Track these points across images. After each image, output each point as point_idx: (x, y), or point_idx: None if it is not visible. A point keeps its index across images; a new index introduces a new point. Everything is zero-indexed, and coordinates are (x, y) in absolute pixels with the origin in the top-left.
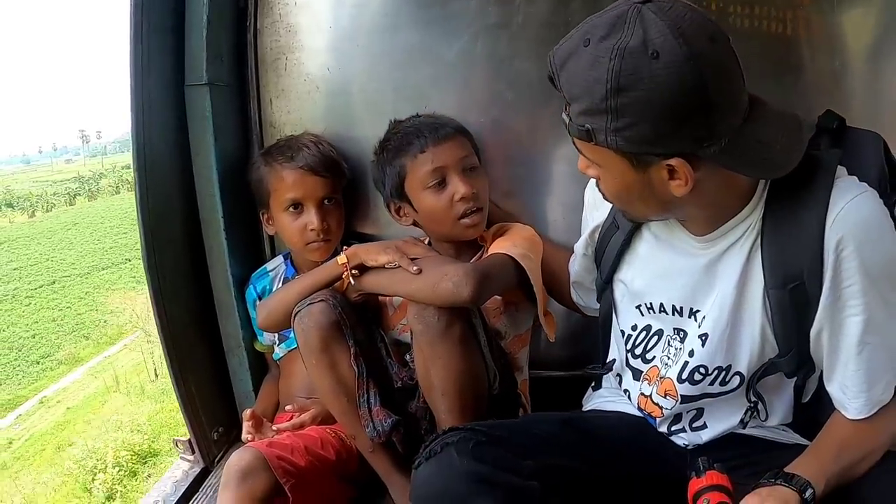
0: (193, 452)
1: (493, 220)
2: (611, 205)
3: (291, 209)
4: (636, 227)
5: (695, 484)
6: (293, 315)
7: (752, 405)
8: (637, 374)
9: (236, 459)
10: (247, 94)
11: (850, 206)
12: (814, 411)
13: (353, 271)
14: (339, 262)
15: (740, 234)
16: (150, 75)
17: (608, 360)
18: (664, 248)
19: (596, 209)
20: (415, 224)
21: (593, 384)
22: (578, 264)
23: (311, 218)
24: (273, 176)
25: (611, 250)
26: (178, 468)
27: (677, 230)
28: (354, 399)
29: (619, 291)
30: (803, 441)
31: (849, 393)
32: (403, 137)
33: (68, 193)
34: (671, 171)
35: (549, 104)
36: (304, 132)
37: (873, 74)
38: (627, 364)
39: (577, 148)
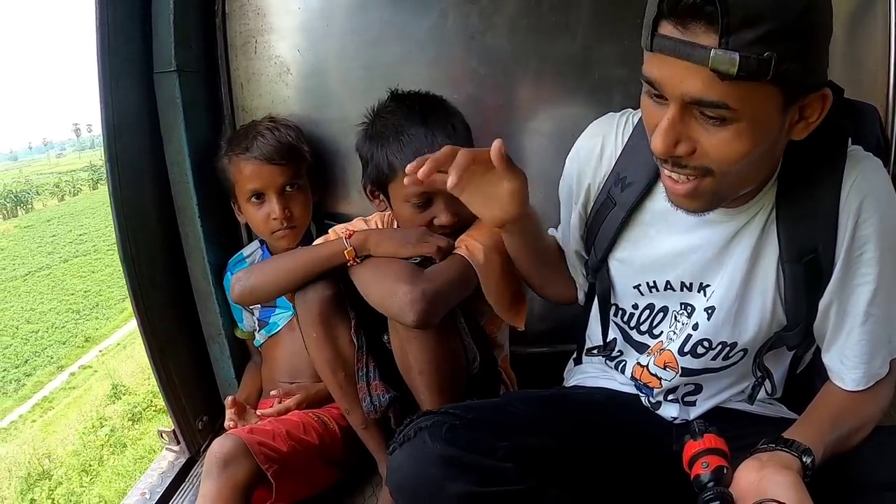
0: (178, 443)
1: None
2: (604, 178)
3: (254, 199)
4: (637, 203)
5: (691, 447)
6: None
7: (758, 379)
8: (642, 348)
9: (217, 447)
10: (217, 79)
11: (864, 173)
12: (803, 384)
13: (357, 260)
14: (347, 253)
15: (759, 209)
16: (118, 64)
17: (608, 340)
18: (675, 225)
19: (586, 179)
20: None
21: (574, 357)
22: (574, 244)
23: (272, 207)
24: (233, 168)
25: (607, 228)
26: (164, 459)
27: (690, 216)
28: (353, 373)
29: (615, 270)
30: (790, 415)
31: (848, 364)
32: (404, 138)
33: (91, 179)
34: (802, 109)
35: (523, 79)
36: (263, 117)
37: (852, 43)
38: (628, 340)
39: (690, 101)
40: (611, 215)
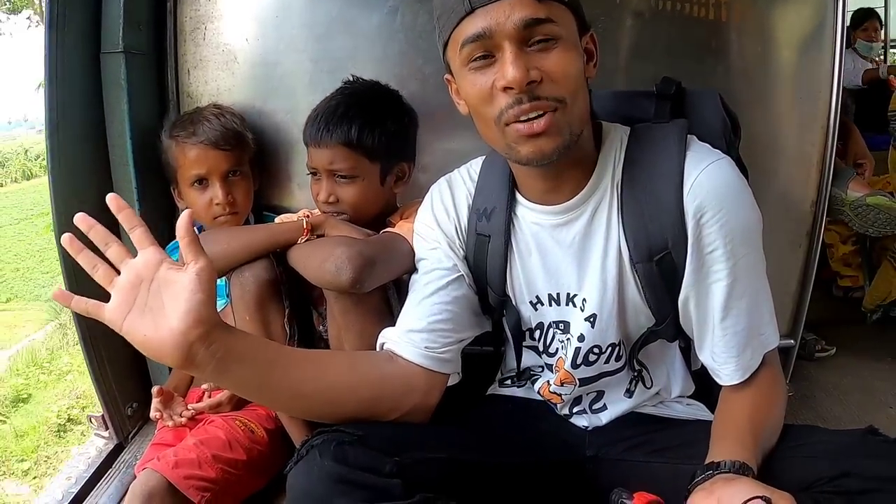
0: (107, 428)
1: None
2: (466, 223)
3: (196, 184)
4: (509, 227)
5: None
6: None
7: (635, 374)
8: (550, 367)
9: (140, 484)
10: (164, 63)
11: (704, 174)
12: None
13: (313, 235)
14: (305, 228)
15: (597, 203)
16: (65, 42)
17: (522, 368)
18: (538, 238)
19: (443, 237)
20: None
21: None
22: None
23: (215, 192)
24: (177, 152)
25: (494, 261)
26: (92, 444)
27: (541, 215)
28: None
29: (516, 296)
30: (705, 416)
31: (718, 359)
32: (312, 118)
33: None
34: (587, 51)
35: None
36: (208, 104)
37: (795, 61)
38: (542, 361)
39: (524, 26)
40: (491, 249)
